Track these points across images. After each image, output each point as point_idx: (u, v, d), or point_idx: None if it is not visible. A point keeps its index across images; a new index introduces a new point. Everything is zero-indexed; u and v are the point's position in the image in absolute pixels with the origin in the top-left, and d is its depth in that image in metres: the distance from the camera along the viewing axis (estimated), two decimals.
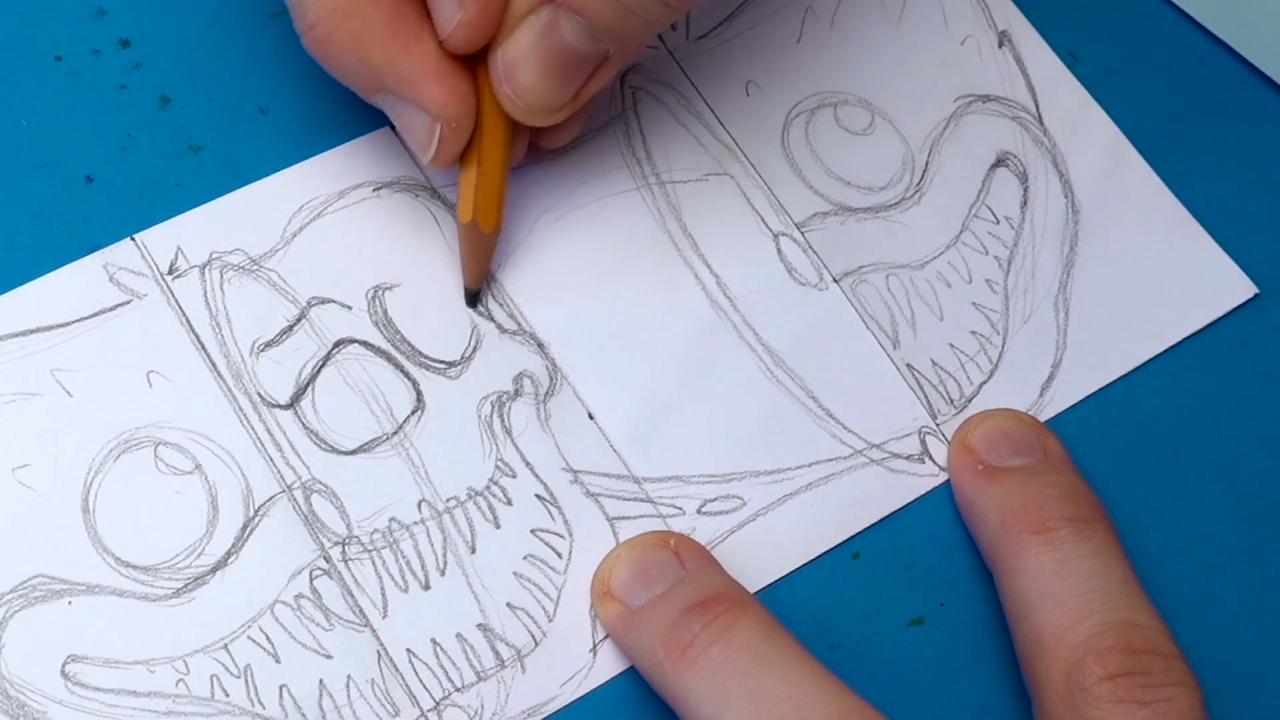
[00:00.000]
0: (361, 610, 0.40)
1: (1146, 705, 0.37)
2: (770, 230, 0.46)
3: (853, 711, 0.37)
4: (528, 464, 0.42)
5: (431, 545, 0.41)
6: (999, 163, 0.48)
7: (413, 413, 0.42)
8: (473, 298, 0.43)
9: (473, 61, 0.41)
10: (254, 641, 0.39)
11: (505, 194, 0.42)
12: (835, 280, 0.45)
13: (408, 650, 0.40)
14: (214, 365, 0.42)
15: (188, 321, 0.42)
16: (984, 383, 0.45)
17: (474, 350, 0.43)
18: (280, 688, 0.39)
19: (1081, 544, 0.40)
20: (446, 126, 0.40)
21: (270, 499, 0.41)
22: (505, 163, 0.42)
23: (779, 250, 0.46)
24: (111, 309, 0.42)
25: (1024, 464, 0.42)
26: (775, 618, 0.39)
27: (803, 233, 0.46)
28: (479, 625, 0.40)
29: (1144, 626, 0.39)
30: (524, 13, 0.39)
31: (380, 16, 0.39)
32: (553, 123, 0.41)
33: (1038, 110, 0.48)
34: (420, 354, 0.43)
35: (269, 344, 0.42)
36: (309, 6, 0.40)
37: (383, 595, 0.40)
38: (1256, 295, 0.47)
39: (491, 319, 0.43)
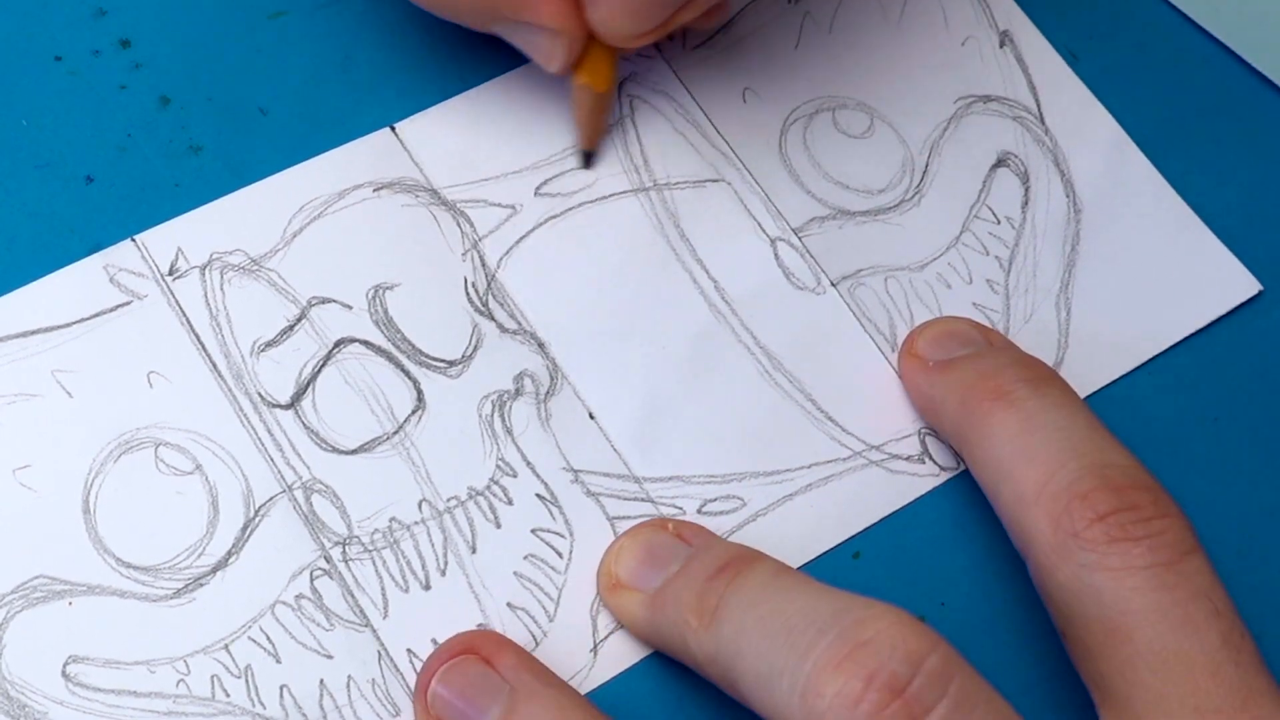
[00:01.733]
0: (362, 610, 0.40)
1: (1140, 541, 0.37)
2: (767, 235, 0.46)
3: (856, 603, 0.36)
4: (528, 463, 0.42)
5: (432, 545, 0.41)
6: (1000, 163, 0.48)
7: (413, 412, 0.42)
8: (587, 158, 0.45)
9: None
10: (254, 642, 0.39)
11: (616, 62, 0.44)
12: (833, 284, 0.45)
13: (408, 650, 0.40)
14: (214, 365, 0.42)
15: (188, 322, 0.42)
16: None
17: (474, 349, 0.43)
18: (281, 688, 0.39)
19: (1041, 400, 0.40)
20: (567, 37, 0.42)
21: (271, 499, 0.41)
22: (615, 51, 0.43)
23: (776, 255, 0.46)
24: (112, 310, 0.42)
25: (972, 351, 0.43)
26: (789, 566, 0.39)
27: (800, 238, 0.46)
28: (479, 625, 0.40)
29: (1121, 465, 0.39)
30: None
31: None
32: (642, 45, 0.42)
33: (1039, 110, 0.48)
34: (421, 353, 0.43)
35: (269, 344, 0.42)
36: None
37: (383, 595, 0.40)
38: (1260, 292, 0.47)
39: (492, 318, 0.43)
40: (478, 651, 0.39)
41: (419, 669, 0.39)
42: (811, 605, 0.36)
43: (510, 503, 0.42)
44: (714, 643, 0.37)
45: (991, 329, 0.45)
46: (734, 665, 0.37)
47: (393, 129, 0.45)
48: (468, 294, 0.43)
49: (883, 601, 0.36)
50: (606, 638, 0.41)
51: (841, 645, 0.35)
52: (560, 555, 0.41)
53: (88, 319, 0.41)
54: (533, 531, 0.41)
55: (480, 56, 0.46)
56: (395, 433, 0.42)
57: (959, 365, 0.43)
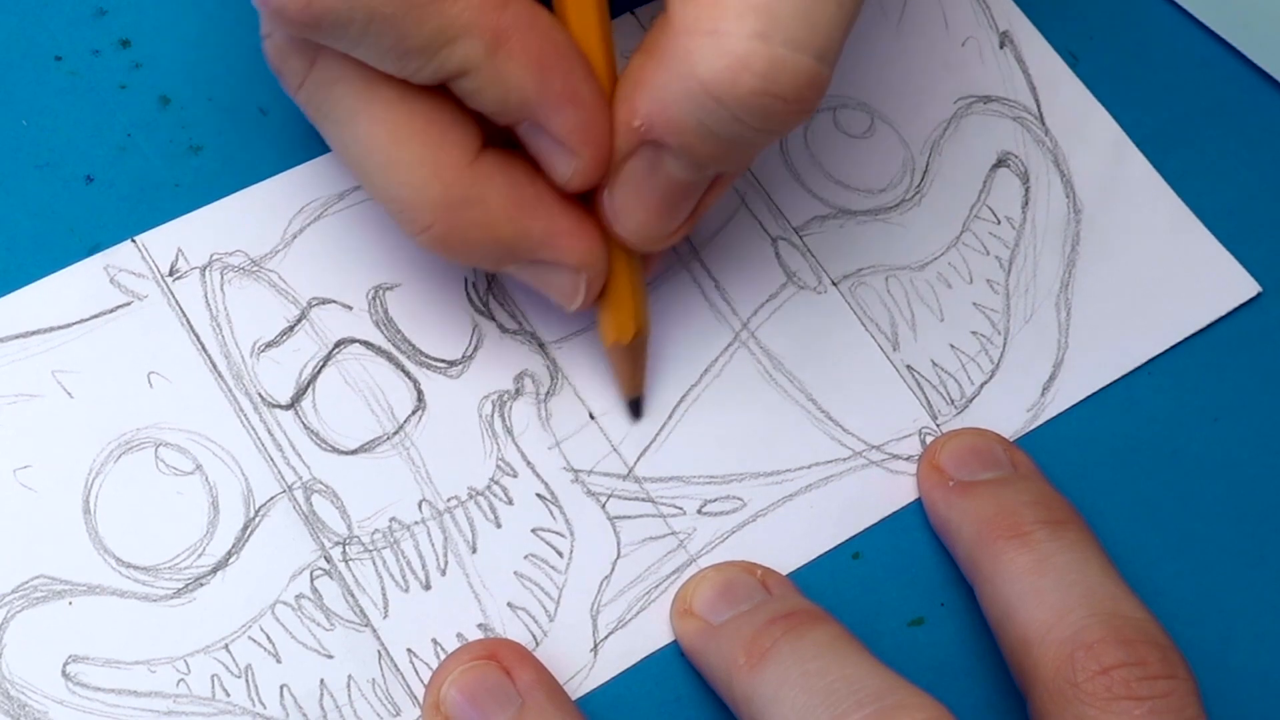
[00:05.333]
0: (362, 610, 0.40)
1: (1143, 701, 0.36)
2: (769, 234, 0.46)
3: (902, 688, 0.36)
4: (529, 463, 0.42)
5: (432, 545, 0.41)
6: (1000, 163, 0.48)
7: (413, 412, 0.42)
8: (635, 406, 0.43)
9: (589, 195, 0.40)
10: (255, 641, 0.39)
11: (645, 303, 0.42)
12: (834, 283, 0.45)
13: (408, 650, 0.40)
14: (215, 366, 0.42)
15: (188, 323, 0.42)
16: (985, 383, 0.45)
17: (475, 349, 0.43)
18: (281, 687, 0.39)
19: (1057, 542, 0.40)
20: (590, 273, 0.40)
21: (271, 499, 0.41)
22: (638, 278, 0.41)
23: (777, 254, 0.46)
24: (112, 310, 0.42)
25: (994, 476, 0.42)
26: (852, 634, 0.38)
27: (801, 236, 0.46)
28: (480, 625, 0.40)
29: (1132, 617, 0.38)
30: (626, 152, 0.38)
31: (499, 194, 0.38)
32: (671, 244, 0.41)
33: (1039, 110, 0.48)
34: (421, 353, 0.43)
35: (270, 344, 0.42)
36: (421, 208, 0.38)
37: (383, 595, 0.40)
38: (1259, 294, 0.47)
39: (492, 318, 0.43)
40: (499, 660, 0.39)
41: (436, 665, 0.39)
42: (859, 676, 0.36)
43: (510, 502, 0.42)
44: (755, 685, 0.37)
45: (1017, 449, 0.44)
46: (768, 711, 0.37)
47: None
48: (468, 294, 0.43)
49: (930, 695, 0.36)
50: (606, 638, 0.41)
51: None
52: (561, 555, 0.41)
53: (88, 319, 0.41)
54: (533, 531, 0.41)
55: None
56: (395, 433, 0.42)
57: (979, 492, 0.42)
